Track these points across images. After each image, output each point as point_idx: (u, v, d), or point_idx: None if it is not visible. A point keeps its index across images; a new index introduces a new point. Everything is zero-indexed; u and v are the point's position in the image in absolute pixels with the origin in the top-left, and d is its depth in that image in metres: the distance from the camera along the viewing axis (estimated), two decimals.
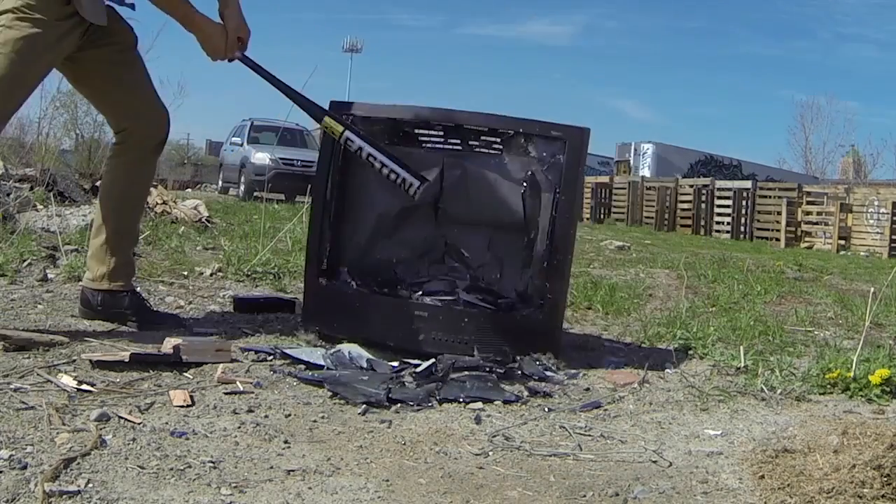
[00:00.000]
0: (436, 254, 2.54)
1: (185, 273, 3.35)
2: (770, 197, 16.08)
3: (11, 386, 1.72)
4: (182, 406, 1.70)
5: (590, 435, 1.73)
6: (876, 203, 13.89)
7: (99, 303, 2.38)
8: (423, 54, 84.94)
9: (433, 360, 2.09)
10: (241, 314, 2.67)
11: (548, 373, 2.13)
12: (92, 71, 2.30)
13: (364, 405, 1.79)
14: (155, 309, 2.55)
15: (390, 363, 2.12)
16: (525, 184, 2.35)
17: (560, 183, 2.23)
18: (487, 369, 2.06)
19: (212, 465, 1.40)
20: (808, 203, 15.11)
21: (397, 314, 2.28)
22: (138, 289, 2.56)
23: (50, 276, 3.02)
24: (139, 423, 1.57)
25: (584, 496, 1.39)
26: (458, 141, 2.47)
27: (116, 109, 2.38)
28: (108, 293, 2.37)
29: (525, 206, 2.36)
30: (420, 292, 2.38)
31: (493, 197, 2.43)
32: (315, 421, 1.69)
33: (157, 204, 5.62)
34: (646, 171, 23.96)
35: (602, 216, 19.12)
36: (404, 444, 1.60)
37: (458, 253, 2.52)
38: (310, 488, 1.34)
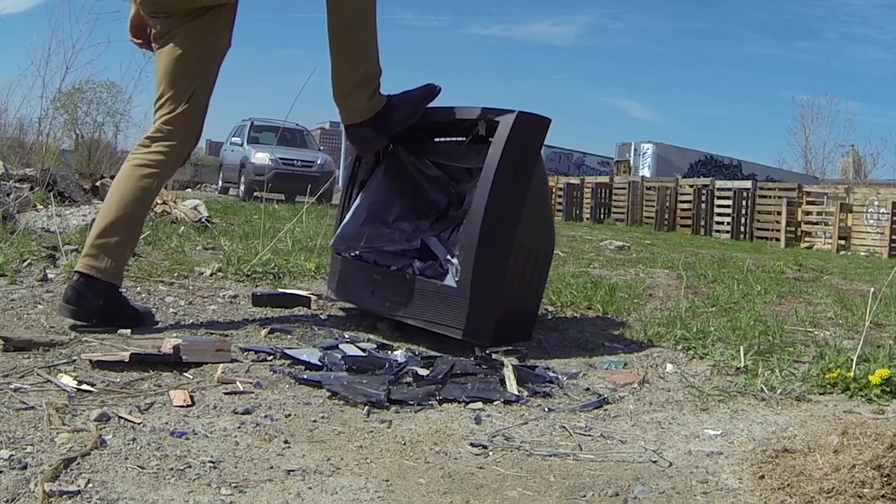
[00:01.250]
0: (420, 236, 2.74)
1: (186, 273, 3.35)
2: (770, 197, 16.06)
3: (11, 386, 1.72)
4: (182, 406, 1.70)
5: (590, 435, 1.73)
6: (876, 203, 13.87)
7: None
8: (428, 54, 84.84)
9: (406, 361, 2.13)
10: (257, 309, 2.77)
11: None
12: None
13: (366, 406, 1.80)
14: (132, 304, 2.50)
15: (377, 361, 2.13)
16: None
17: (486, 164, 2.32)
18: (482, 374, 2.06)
19: (212, 465, 1.40)
20: (808, 203, 15.09)
21: (362, 277, 2.63)
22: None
23: (50, 276, 3.02)
24: (139, 423, 1.57)
25: (584, 496, 1.39)
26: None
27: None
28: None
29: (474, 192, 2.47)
30: (389, 263, 2.61)
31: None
32: (315, 421, 1.69)
33: (157, 204, 5.62)
34: (646, 171, 23.96)
35: (602, 216, 19.10)
36: (404, 444, 1.60)
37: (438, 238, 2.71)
38: (310, 488, 1.34)
